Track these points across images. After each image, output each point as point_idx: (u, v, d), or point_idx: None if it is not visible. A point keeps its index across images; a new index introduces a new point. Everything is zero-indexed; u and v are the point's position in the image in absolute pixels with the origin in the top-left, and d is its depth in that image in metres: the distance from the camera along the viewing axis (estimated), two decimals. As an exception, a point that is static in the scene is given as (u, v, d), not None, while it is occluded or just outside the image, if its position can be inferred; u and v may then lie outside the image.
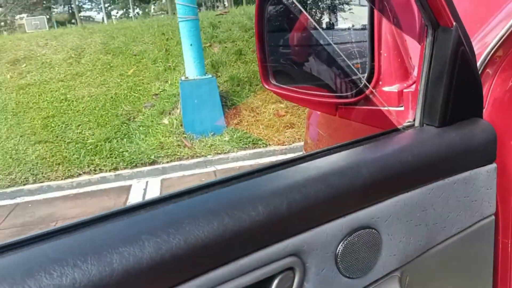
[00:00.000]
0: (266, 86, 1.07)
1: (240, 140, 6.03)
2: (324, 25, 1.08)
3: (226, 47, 8.13)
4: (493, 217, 0.83)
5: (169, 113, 6.61)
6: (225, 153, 5.84)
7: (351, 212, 0.63)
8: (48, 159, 5.76)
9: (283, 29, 1.13)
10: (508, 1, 0.90)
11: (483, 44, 0.87)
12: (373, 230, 0.65)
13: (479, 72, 0.85)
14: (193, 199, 0.56)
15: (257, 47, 1.07)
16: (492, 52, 0.85)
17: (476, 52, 0.83)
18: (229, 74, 7.40)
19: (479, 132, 0.80)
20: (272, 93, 1.09)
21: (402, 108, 0.86)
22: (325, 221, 0.61)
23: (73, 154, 5.82)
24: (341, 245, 0.62)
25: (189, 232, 0.50)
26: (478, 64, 0.84)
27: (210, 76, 6.39)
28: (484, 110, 0.85)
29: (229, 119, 6.48)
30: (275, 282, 0.56)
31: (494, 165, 0.81)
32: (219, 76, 7.30)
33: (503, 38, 0.85)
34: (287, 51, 1.12)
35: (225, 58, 7.79)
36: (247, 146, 5.98)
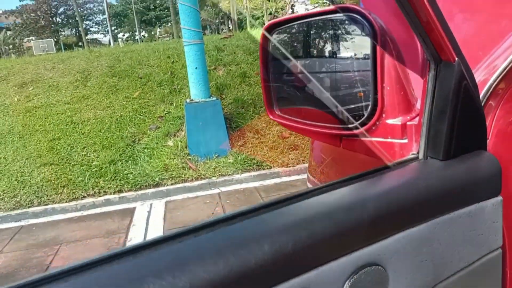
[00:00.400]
0: (271, 117, 1.08)
1: (244, 162, 6.03)
2: (327, 55, 1.09)
3: (230, 69, 8.22)
4: (500, 250, 0.82)
5: (174, 135, 6.64)
6: (229, 175, 5.84)
7: (358, 249, 0.63)
8: (53, 181, 5.78)
9: (288, 59, 1.15)
10: (510, 32, 0.91)
11: (486, 75, 0.88)
12: (379, 267, 0.65)
13: (482, 104, 0.85)
14: (198, 238, 0.56)
15: (261, 77, 1.09)
16: (495, 84, 0.86)
17: (478, 83, 0.84)
18: (233, 96, 7.46)
19: (484, 165, 0.80)
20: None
21: (406, 141, 0.87)
22: (332, 258, 0.61)
23: (78, 177, 5.84)
24: (348, 284, 0.61)
25: (194, 273, 0.50)
26: (481, 95, 0.85)
27: (214, 98, 6.44)
28: (487, 142, 0.85)
29: (233, 141, 6.50)
30: None
31: (499, 197, 0.81)
32: (224, 99, 7.36)
33: (506, 69, 0.86)
34: (292, 81, 1.13)
35: (229, 80, 7.87)
36: (251, 168, 5.97)
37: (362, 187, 0.71)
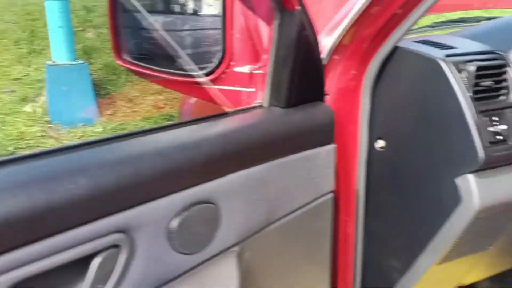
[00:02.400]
0: (119, 62, 1.01)
1: (114, 131, 5.72)
2: (180, 1, 1.04)
3: (101, 32, 7.63)
4: (332, 194, 0.88)
5: (33, 100, 5.99)
6: (97, 145, 5.49)
7: (189, 186, 0.62)
8: None
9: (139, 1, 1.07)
10: None
11: (331, 34, 0.92)
12: (212, 204, 0.64)
13: (327, 60, 0.90)
14: None
15: (108, 15, 0.99)
16: (338, 41, 0.91)
17: (324, 41, 0.88)
18: (104, 61, 6.95)
19: (320, 114, 0.85)
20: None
21: (254, 89, 0.88)
22: (160, 195, 0.58)
23: None
24: (176, 220, 0.60)
25: None
26: (326, 52, 0.89)
27: (81, 62, 5.92)
28: (329, 97, 0.91)
29: (102, 109, 6.08)
30: (95, 261, 0.51)
31: (333, 145, 0.86)
32: (93, 63, 6.82)
33: (347, 28, 0.91)
34: (143, 26, 1.06)
35: (100, 44, 7.31)
36: (121, 138, 5.70)
37: (199, 129, 0.70)
